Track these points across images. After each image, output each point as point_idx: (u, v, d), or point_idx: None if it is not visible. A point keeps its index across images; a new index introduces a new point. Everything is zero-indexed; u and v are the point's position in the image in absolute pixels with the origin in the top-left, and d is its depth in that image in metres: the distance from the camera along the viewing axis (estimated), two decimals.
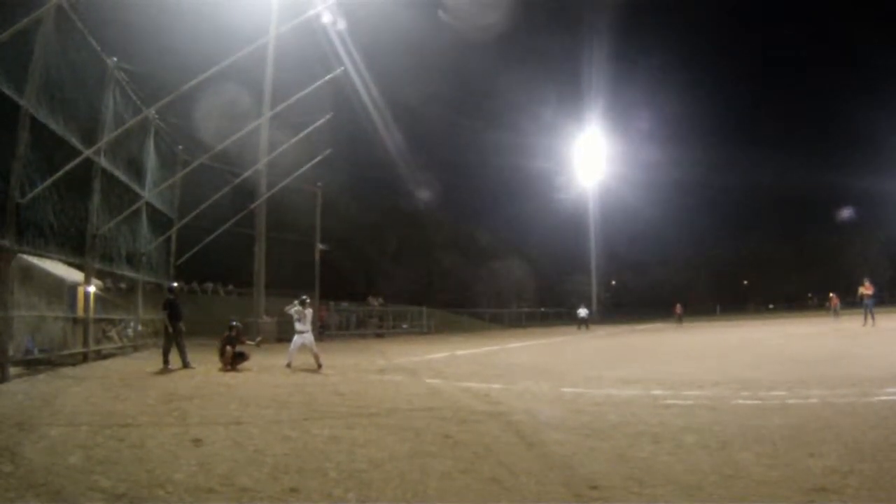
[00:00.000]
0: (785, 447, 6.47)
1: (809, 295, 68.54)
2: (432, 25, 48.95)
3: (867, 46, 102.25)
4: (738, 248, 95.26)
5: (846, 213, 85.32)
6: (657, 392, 10.71)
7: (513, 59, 70.44)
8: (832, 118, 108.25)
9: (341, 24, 30.30)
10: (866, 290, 29.35)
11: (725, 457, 6.24)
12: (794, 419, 7.87)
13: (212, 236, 27.98)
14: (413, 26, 43.09)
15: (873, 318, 28.52)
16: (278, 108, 27.89)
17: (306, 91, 26.11)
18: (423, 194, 63.37)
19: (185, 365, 16.03)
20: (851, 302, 38.40)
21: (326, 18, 28.67)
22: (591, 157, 71.85)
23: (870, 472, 5.44)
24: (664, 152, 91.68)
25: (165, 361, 16.08)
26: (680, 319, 55.49)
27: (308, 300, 17.13)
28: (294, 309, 16.57)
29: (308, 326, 16.45)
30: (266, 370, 15.88)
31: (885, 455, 5.92)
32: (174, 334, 16.52)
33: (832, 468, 5.61)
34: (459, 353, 23.37)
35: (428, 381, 13.65)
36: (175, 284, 18.79)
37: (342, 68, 29.69)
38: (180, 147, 26.08)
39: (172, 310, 16.70)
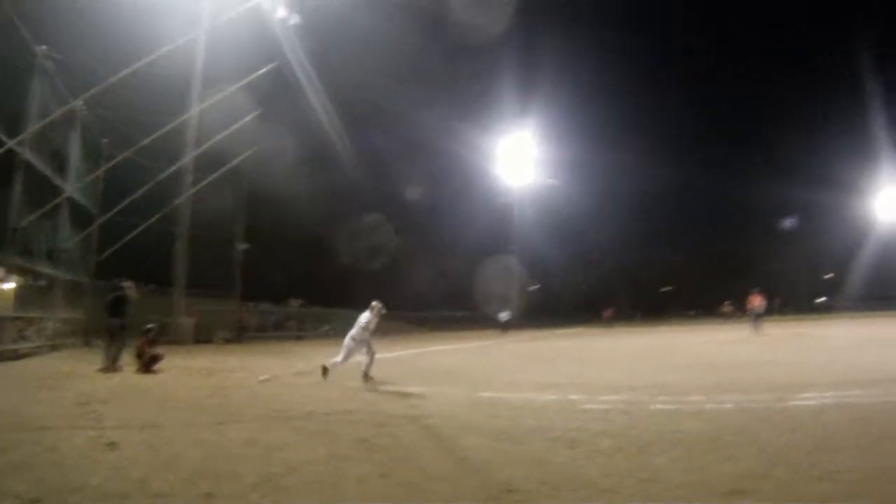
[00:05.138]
0: (701, 451, 6.63)
1: (727, 303, 69.94)
2: (365, 25, 48.71)
3: (790, 59, 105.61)
4: (660, 255, 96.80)
5: (773, 222, 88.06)
6: (575, 397, 10.80)
7: (440, 65, 70.27)
8: (757, 129, 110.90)
9: (295, 20, 30.08)
10: (754, 301, 30.26)
11: (642, 461, 6.36)
12: (711, 424, 8.05)
13: (134, 233, 27.52)
14: (347, 27, 42.87)
15: (762, 327, 29.47)
16: (206, 104, 27.64)
17: (235, 87, 25.97)
18: (348, 195, 63.06)
19: (112, 363, 15.57)
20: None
21: (281, 13, 28.51)
22: (518, 161, 72.19)
23: (785, 475, 5.63)
24: (591, 158, 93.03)
25: (114, 361, 15.64)
26: (609, 323, 56.47)
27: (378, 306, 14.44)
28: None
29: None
30: (183, 372, 15.69)
31: (800, 459, 6.12)
32: (118, 332, 16.11)
33: (748, 471, 5.79)
34: (378, 356, 23.34)
35: (347, 384, 13.57)
36: (124, 282, 18.03)
37: (274, 64, 29.56)
38: (105, 140, 25.53)
39: (117, 307, 16.37)
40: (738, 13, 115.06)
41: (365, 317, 14.17)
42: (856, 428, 7.43)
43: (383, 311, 14.55)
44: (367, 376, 13.95)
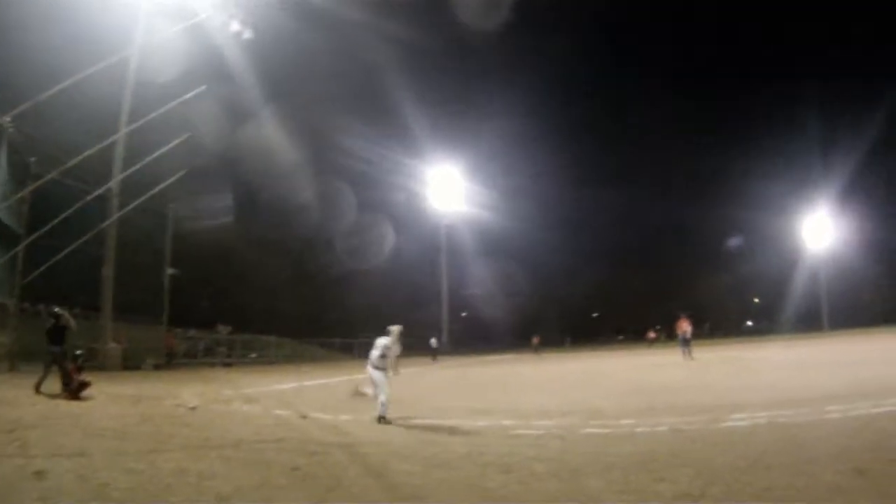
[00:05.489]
0: (635, 473, 6.69)
1: (658, 327, 71.08)
2: (298, 47, 48.71)
3: (729, 84, 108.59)
4: (590, 280, 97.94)
5: (702, 247, 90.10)
6: (507, 422, 10.86)
7: (367, 96, 70.46)
8: (689, 153, 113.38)
9: (248, 34, 29.97)
10: (683, 325, 30.88)
11: (576, 485, 6.43)
12: (644, 446, 8.17)
13: (60, 255, 26.93)
14: (280, 48, 42.79)
15: (690, 351, 29.86)
16: (135, 125, 27.33)
17: (163, 109, 25.76)
18: (275, 221, 62.70)
19: (36, 389, 15.32)
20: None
21: (234, 27, 28.42)
22: (449, 190, 72.58)
23: (720, 494, 5.78)
24: (521, 184, 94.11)
25: (38, 384, 15.46)
26: (537, 350, 56.93)
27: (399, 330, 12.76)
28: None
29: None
30: (112, 399, 15.35)
31: (734, 478, 6.26)
32: (56, 358, 15.81)
33: (683, 492, 5.91)
34: (308, 383, 23.30)
35: (276, 411, 13.59)
36: (57, 309, 17.90)
37: (203, 87, 29.38)
38: (33, 159, 25.03)
39: (55, 334, 16.17)
40: (676, 41, 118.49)
41: (384, 342, 12.27)
42: (788, 446, 7.63)
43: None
44: (358, 391, 13.12)
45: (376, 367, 11.96)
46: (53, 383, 15.29)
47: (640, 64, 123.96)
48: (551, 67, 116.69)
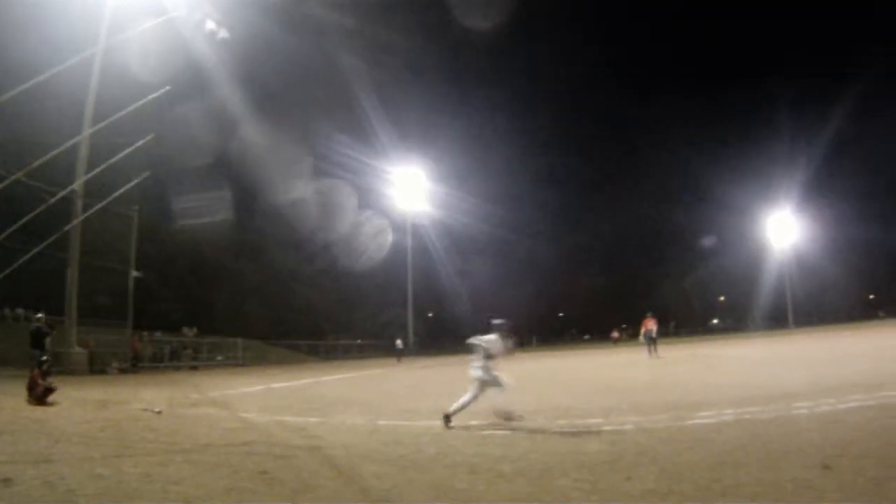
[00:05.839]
0: (603, 472, 6.70)
1: (623, 326, 71.81)
2: (267, 48, 48.54)
3: (693, 86, 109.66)
4: (556, 280, 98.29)
5: (668, 246, 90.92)
6: (474, 422, 10.80)
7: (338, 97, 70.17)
8: (654, 155, 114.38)
9: (224, 34, 29.76)
10: (648, 324, 31.11)
11: (544, 484, 6.41)
12: (611, 445, 8.16)
13: (23, 259, 26.67)
14: (249, 50, 42.60)
15: (656, 349, 30.19)
16: (98, 126, 27.11)
17: (128, 110, 25.56)
18: (242, 222, 62.34)
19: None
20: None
21: (210, 26, 28.26)
22: (413, 189, 72.47)
23: (688, 491, 5.79)
24: (488, 186, 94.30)
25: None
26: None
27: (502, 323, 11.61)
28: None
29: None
30: (77, 404, 15.22)
31: (701, 475, 6.27)
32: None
33: (650, 490, 5.89)
34: (275, 385, 23.23)
35: (243, 415, 13.52)
36: (39, 315, 17.92)
37: (166, 88, 29.23)
38: None
39: (36, 340, 16.63)
40: (641, 46, 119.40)
41: (490, 340, 11.14)
42: (755, 443, 7.65)
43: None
44: (505, 413, 10.79)
45: (482, 368, 10.93)
46: (18, 388, 15.21)
47: (607, 67, 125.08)
48: (519, 70, 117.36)
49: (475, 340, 11.17)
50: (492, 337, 11.11)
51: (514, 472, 6.96)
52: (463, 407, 10.74)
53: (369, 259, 74.26)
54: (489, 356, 10.96)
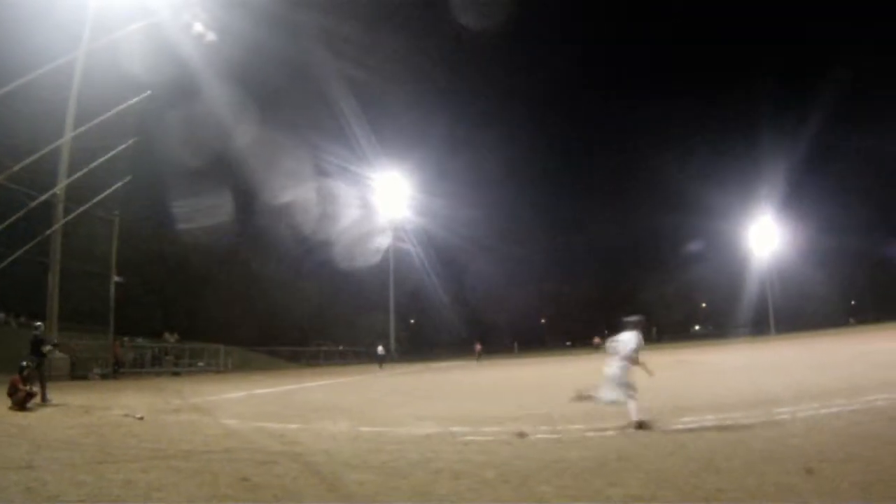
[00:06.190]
0: (586, 478, 6.74)
1: (605, 332, 72.27)
2: (249, 52, 48.40)
3: (674, 93, 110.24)
4: (537, 287, 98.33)
5: (650, 253, 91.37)
6: (456, 429, 10.83)
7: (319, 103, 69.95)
8: (635, 162, 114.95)
9: (211, 37, 29.78)
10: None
11: (526, 490, 6.43)
12: (594, 451, 8.21)
13: (4, 263, 26.48)
14: (230, 54, 42.48)
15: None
16: (80, 130, 26.99)
17: (109, 114, 25.47)
18: (224, 228, 62.01)
19: (42, 399, 16.12)
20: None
21: (197, 29, 28.29)
22: (395, 197, 72.33)
23: (671, 496, 5.87)
24: (469, 193, 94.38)
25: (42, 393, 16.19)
26: (479, 357, 57.07)
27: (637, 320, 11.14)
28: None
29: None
30: (59, 410, 15.16)
31: (684, 480, 6.36)
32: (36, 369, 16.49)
33: (634, 496, 5.96)
34: (257, 392, 23.18)
35: (225, 421, 13.46)
36: (38, 323, 18.90)
37: (148, 93, 29.16)
38: None
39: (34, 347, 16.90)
40: (623, 52, 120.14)
41: (626, 339, 10.75)
42: (738, 448, 7.75)
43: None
44: (638, 423, 10.12)
45: (620, 367, 10.47)
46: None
47: (587, 74, 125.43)
48: (502, 77, 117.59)
49: (613, 342, 10.84)
50: (628, 335, 10.78)
51: (498, 479, 6.99)
52: (635, 409, 10.20)
53: (352, 265, 74.09)
54: (628, 356, 10.56)
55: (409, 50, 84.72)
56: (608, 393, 10.44)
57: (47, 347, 17.62)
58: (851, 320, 76.52)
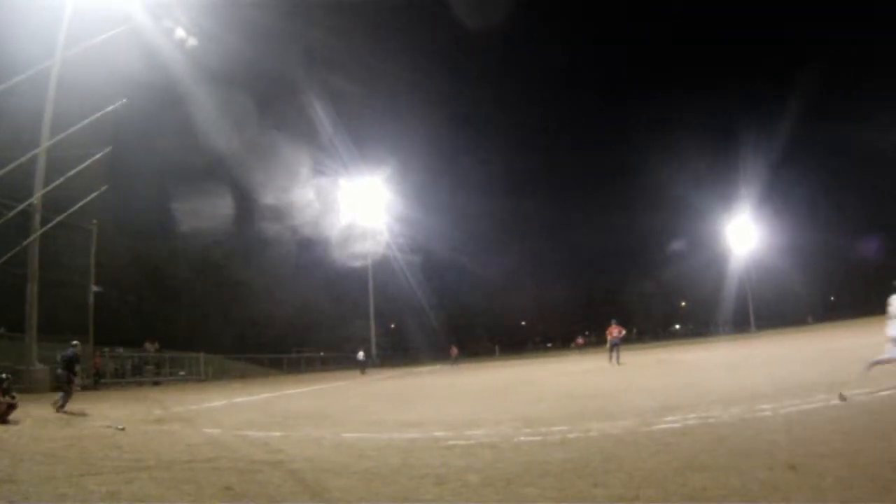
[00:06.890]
0: (569, 479, 6.74)
1: (587, 333, 72.40)
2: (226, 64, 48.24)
3: (651, 92, 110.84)
4: (517, 289, 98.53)
5: (630, 254, 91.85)
6: (439, 433, 10.81)
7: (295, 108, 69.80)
8: (614, 162, 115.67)
9: (192, 42, 29.75)
10: (612, 331, 31.18)
11: (510, 493, 6.45)
12: (577, 452, 8.20)
13: None
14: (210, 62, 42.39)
15: (619, 357, 29.98)
16: (56, 139, 26.85)
17: (85, 122, 25.35)
18: (202, 236, 61.74)
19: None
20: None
21: (179, 34, 28.28)
22: (375, 203, 72.18)
23: (655, 496, 5.89)
24: (448, 196, 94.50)
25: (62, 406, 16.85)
26: (455, 361, 57.20)
27: None
28: None
29: None
30: (40, 422, 15.01)
31: (668, 479, 6.37)
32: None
33: (618, 496, 5.98)
34: (238, 400, 23.13)
35: (206, 430, 13.46)
36: (76, 342, 18.95)
37: (123, 100, 29.04)
38: None
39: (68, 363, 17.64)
40: (599, 53, 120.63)
41: None
42: (721, 446, 7.77)
43: None
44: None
45: None
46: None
47: (565, 73, 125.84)
48: (477, 77, 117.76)
49: (890, 306, 10.88)
50: None
51: (481, 482, 7.01)
52: (883, 362, 10.97)
53: (331, 271, 73.96)
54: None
55: (376, 56, 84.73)
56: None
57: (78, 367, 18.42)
58: (809, 319, 77.09)
